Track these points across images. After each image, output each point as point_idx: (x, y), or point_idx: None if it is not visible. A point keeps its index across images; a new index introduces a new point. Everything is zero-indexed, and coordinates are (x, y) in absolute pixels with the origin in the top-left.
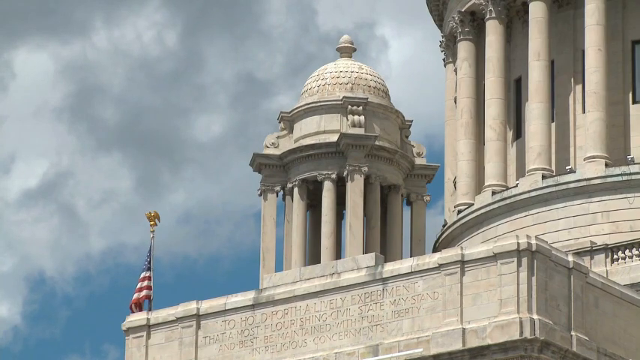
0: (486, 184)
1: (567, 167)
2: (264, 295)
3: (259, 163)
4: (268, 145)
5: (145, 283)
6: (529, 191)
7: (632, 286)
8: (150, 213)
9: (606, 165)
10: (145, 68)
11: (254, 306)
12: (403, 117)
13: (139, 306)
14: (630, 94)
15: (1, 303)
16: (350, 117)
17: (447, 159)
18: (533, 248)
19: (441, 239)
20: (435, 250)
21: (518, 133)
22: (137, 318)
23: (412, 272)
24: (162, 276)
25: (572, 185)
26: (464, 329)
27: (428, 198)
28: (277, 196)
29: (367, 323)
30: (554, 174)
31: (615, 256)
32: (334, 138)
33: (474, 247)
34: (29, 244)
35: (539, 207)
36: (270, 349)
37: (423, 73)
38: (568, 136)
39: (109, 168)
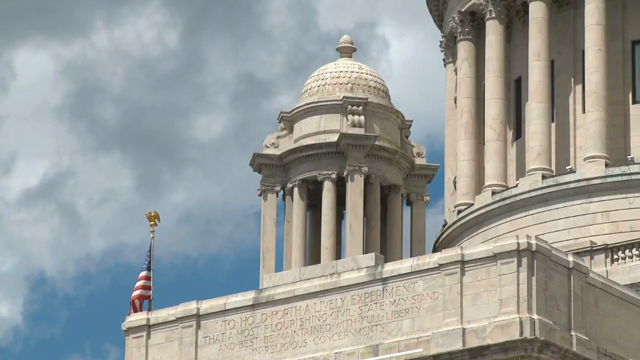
0: (486, 184)
1: (567, 167)
2: (264, 295)
3: (259, 163)
4: (268, 145)
5: (142, 282)
6: (529, 191)
7: (632, 286)
8: (150, 213)
9: (606, 165)
10: (145, 68)
11: (254, 306)
12: (403, 117)
13: (134, 304)
14: (630, 94)
15: (2, 303)
16: (350, 117)
17: (447, 159)
18: (533, 248)
19: (441, 239)
20: (435, 250)
21: (518, 133)
22: (137, 318)
23: (412, 272)
24: (162, 276)
25: (572, 185)
26: (464, 329)
27: (428, 198)
28: (277, 196)
29: (367, 323)
30: (554, 174)
31: (615, 256)
32: (334, 138)
33: (474, 247)
34: (30, 244)
35: (539, 207)
36: (270, 349)
37: (423, 73)
38: (568, 136)
39: (109, 168)
